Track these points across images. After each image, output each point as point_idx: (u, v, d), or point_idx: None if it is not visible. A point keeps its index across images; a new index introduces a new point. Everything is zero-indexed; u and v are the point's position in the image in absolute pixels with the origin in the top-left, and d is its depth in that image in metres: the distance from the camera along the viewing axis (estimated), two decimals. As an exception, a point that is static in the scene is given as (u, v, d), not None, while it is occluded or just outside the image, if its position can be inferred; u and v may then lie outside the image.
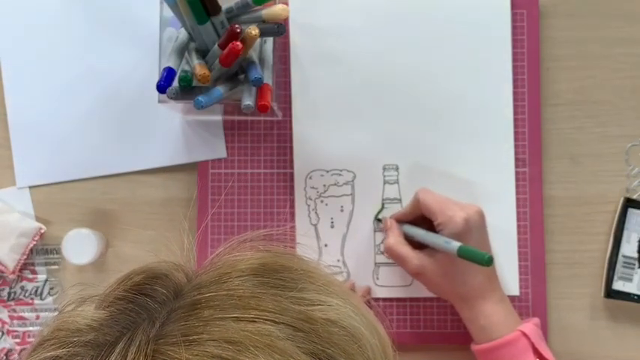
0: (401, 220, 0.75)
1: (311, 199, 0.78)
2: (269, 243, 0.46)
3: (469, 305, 0.70)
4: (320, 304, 0.40)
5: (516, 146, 0.78)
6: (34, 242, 0.79)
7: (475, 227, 0.69)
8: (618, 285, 0.76)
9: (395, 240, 0.73)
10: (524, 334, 0.68)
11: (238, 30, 0.63)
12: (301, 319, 0.38)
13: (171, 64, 0.68)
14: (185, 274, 0.43)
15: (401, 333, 0.77)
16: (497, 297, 0.70)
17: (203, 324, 0.37)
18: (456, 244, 0.67)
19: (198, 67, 0.67)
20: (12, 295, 0.79)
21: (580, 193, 0.78)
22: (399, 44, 0.79)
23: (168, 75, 0.67)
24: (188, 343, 0.36)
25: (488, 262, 0.64)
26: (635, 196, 0.78)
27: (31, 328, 0.79)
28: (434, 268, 0.70)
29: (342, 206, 0.78)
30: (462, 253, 0.66)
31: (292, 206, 0.78)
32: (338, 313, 0.40)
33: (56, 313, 0.42)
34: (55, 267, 0.80)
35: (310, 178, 0.78)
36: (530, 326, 0.69)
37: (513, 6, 0.79)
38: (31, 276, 0.80)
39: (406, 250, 0.71)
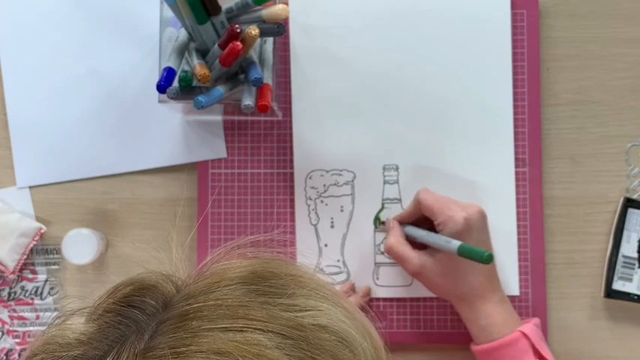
0: (403, 222, 0.75)
1: (311, 199, 0.78)
2: (258, 249, 0.46)
3: (469, 305, 0.70)
4: (310, 310, 0.40)
5: (516, 146, 0.78)
6: (34, 242, 0.79)
7: (476, 226, 0.69)
8: (618, 285, 0.76)
9: (395, 240, 0.73)
10: (525, 335, 0.68)
11: (238, 30, 0.63)
12: (290, 326, 0.38)
13: (172, 64, 0.68)
14: (174, 285, 0.42)
15: (401, 333, 0.77)
16: (498, 297, 0.70)
17: (191, 335, 0.37)
18: (456, 243, 0.67)
19: (198, 67, 0.67)
20: (12, 295, 0.79)
21: (580, 193, 0.78)
22: (399, 44, 0.79)
23: (168, 75, 0.67)
24: (176, 356, 0.36)
25: (487, 259, 0.64)
26: (635, 196, 0.78)
27: (31, 328, 0.79)
28: (434, 267, 0.70)
29: (342, 206, 0.78)
30: (462, 252, 0.66)
31: (292, 206, 0.78)
32: (329, 318, 0.40)
33: (46, 327, 0.42)
34: (55, 267, 0.80)
35: (310, 178, 0.78)
36: (531, 326, 0.69)
37: (513, 6, 0.79)
38: (31, 276, 0.80)
39: (406, 250, 0.71)
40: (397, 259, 0.73)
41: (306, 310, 0.40)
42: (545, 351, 0.68)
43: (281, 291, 0.40)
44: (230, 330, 0.37)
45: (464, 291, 0.70)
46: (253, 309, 0.38)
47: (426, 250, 0.71)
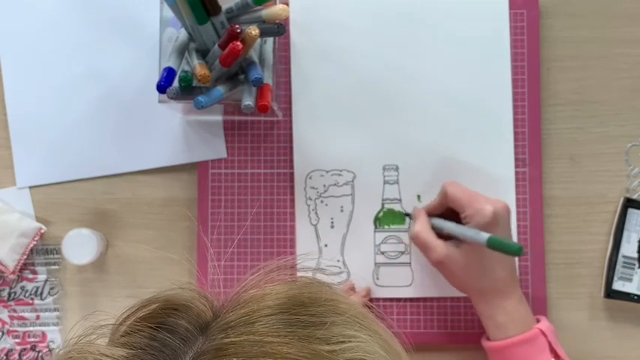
0: (429, 214, 0.74)
1: (311, 199, 0.78)
2: (294, 271, 0.45)
3: (488, 300, 0.69)
4: (349, 342, 0.39)
5: (516, 146, 0.78)
6: (34, 242, 0.79)
7: (502, 221, 0.68)
8: (618, 285, 0.76)
9: (421, 228, 0.72)
10: (543, 332, 0.68)
11: (238, 30, 0.63)
12: None
13: (172, 64, 0.68)
14: (209, 305, 0.41)
15: (401, 333, 0.77)
16: (518, 294, 0.70)
17: None
18: (485, 235, 0.66)
19: (198, 67, 0.67)
20: (12, 295, 0.79)
21: (580, 193, 0.78)
22: (399, 44, 0.79)
23: (168, 75, 0.67)
24: None
25: (518, 251, 0.64)
26: (635, 196, 0.78)
27: (31, 328, 0.79)
28: (458, 258, 0.69)
29: (342, 206, 0.78)
30: (492, 244, 0.65)
31: (292, 206, 0.78)
32: (366, 351, 0.39)
33: (70, 342, 0.39)
34: (55, 267, 0.80)
35: (310, 178, 0.78)
36: (547, 324, 0.69)
37: (513, 6, 0.79)
38: (31, 276, 0.80)
39: (432, 238, 0.71)
40: (422, 247, 0.72)
41: (345, 342, 0.39)
42: (560, 350, 0.68)
43: (319, 320, 0.39)
44: None
45: (485, 285, 0.69)
46: (294, 346, 0.37)
47: (451, 241, 0.71)
